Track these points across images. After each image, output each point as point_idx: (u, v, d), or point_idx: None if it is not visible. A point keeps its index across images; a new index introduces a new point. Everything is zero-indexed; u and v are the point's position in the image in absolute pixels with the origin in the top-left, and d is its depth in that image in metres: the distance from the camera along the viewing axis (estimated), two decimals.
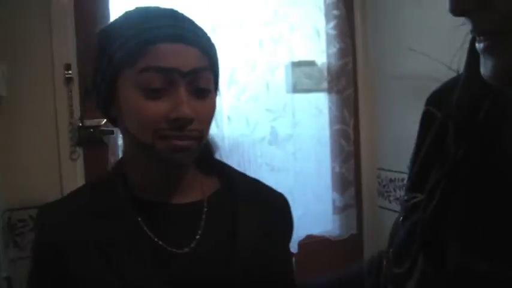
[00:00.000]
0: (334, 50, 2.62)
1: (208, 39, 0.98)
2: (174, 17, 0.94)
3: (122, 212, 0.97)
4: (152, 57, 0.90)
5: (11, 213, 2.10)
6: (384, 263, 0.86)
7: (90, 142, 2.22)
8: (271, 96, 2.53)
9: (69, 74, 2.14)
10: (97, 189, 1.02)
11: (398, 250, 0.84)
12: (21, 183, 2.10)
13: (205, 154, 1.06)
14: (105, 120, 2.22)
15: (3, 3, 2.04)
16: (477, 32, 0.62)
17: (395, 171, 2.56)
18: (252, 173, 1.55)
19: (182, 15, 0.97)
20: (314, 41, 2.65)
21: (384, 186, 2.67)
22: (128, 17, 0.98)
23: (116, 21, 0.99)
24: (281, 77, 2.56)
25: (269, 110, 2.54)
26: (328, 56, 2.65)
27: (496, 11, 0.57)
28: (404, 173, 2.31)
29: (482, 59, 0.64)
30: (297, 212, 1.85)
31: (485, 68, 0.63)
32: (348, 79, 2.66)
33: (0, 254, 1.92)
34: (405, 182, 0.97)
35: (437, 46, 2.13)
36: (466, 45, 0.77)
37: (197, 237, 0.99)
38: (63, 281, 0.93)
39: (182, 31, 0.92)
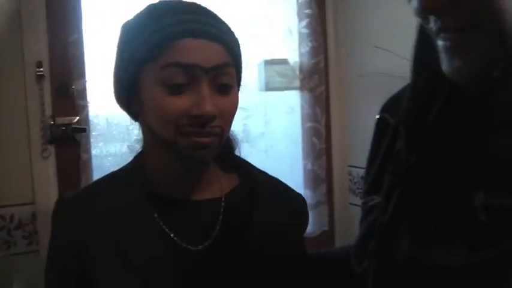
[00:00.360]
0: (306, 48, 2.65)
1: (232, 33, 0.98)
2: (197, 12, 0.94)
3: (139, 208, 0.97)
4: (175, 53, 0.89)
5: None
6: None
7: (62, 140, 2.20)
8: (243, 95, 2.50)
9: (41, 71, 2.12)
10: (115, 185, 1.02)
11: (357, 250, 0.87)
12: None
13: (225, 150, 1.05)
14: (77, 118, 2.21)
15: None
16: (446, 29, 0.63)
17: None
18: None
19: (205, 9, 0.96)
20: (287, 39, 2.67)
21: (355, 183, 2.71)
22: (150, 11, 0.95)
23: (138, 15, 0.97)
24: (254, 75, 2.58)
25: (241, 108, 2.52)
26: (301, 54, 2.67)
27: (467, 8, 0.59)
28: None
29: (445, 57, 0.65)
30: None
31: (449, 65, 0.64)
32: (320, 77, 2.69)
33: None
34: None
35: (408, 45, 2.16)
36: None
37: (213, 235, 0.99)
38: (82, 278, 0.94)
39: (205, 26, 0.91)
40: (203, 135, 0.90)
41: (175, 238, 0.97)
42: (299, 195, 1.13)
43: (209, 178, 1.02)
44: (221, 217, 1.01)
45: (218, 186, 1.04)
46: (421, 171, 0.76)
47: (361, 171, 2.65)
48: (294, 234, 1.08)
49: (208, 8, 0.98)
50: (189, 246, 0.98)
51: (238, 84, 1.02)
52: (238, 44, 1.00)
